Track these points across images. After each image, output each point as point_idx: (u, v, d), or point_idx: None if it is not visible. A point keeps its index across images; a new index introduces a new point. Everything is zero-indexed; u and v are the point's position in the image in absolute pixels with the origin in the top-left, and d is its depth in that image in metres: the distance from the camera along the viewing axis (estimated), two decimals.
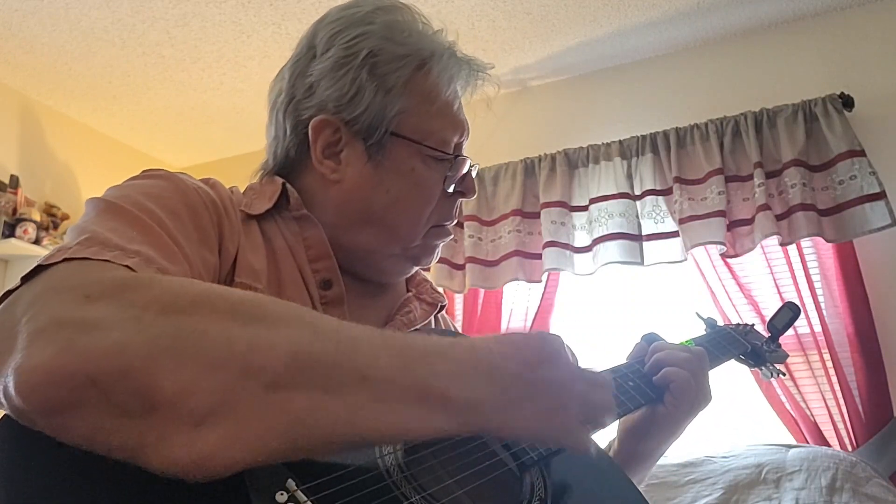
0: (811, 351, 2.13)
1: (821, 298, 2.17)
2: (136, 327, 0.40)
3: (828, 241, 2.13)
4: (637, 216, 2.39)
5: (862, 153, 2.12)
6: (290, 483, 0.42)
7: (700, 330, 1.08)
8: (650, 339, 0.87)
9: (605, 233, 2.38)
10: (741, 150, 2.29)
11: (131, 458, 0.38)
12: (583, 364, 0.58)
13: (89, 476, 0.39)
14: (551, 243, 2.43)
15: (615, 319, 2.50)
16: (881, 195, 2.07)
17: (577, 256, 2.44)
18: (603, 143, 2.49)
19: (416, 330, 0.74)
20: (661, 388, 0.80)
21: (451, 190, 0.75)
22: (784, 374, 1.25)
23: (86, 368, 0.38)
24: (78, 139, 3.06)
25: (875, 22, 2.35)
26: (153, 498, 0.38)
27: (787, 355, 1.16)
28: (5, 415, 0.41)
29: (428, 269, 0.83)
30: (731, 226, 2.25)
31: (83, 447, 0.38)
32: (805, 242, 2.22)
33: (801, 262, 2.18)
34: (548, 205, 2.48)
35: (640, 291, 2.52)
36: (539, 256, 2.47)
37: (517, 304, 2.57)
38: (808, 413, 2.11)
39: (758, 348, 1.10)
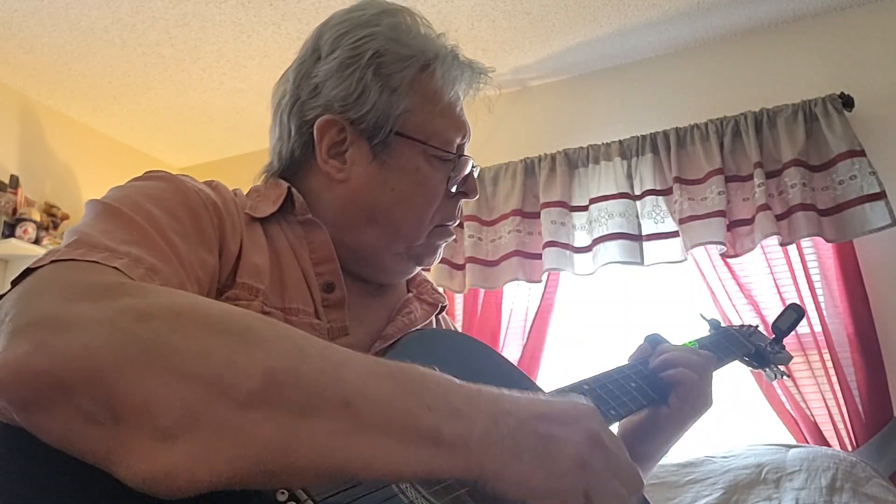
0: (811, 351, 2.13)
1: (821, 298, 2.17)
2: (108, 333, 0.39)
3: (828, 241, 2.13)
4: (637, 216, 2.39)
5: (862, 153, 2.12)
6: None
7: (704, 331, 1.08)
8: (654, 340, 0.87)
9: (605, 233, 2.38)
10: (741, 150, 2.29)
11: (102, 465, 0.37)
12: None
13: (88, 477, 0.39)
14: (551, 243, 2.43)
15: (615, 319, 2.50)
16: (881, 195, 2.07)
17: (577, 256, 2.44)
18: (603, 143, 2.49)
19: (417, 330, 0.74)
20: (664, 390, 0.80)
21: (453, 190, 0.75)
22: (788, 376, 1.24)
23: (52, 370, 0.37)
24: (78, 139, 3.06)
25: (875, 22, 2.35)
26: (153, 498, 0.37)
27: (792, 357, 1.15)
28: None
29: (428, 270, 0.83)
30: (731, 226, 2.25)
31: (60, 448, 0.38)
32: (805, 242, 2.22)
33: (801, 262, 2.18)
34: (548, 205, 2.48)
35: (640, 291, 2.52)
36: (539, 256, 2.47)
37: (517, 304, 2.57)
38: (808, 413, 2.11)
39: (762, 350, 1.10)
